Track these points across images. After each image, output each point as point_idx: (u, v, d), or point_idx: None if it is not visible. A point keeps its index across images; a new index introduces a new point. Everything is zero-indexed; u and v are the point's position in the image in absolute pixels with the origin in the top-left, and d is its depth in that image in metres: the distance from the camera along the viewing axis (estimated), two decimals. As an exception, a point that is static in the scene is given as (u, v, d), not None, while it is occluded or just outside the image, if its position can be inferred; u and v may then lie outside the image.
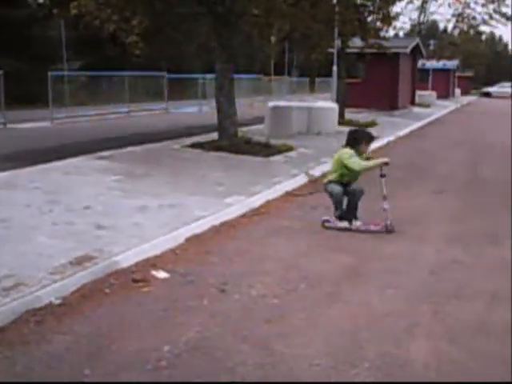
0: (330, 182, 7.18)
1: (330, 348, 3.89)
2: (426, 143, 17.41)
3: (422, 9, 38.48)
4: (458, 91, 56.96)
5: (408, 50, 29.32)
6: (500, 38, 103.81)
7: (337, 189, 7.09)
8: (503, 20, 36.15)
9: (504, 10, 35.38)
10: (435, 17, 76.06)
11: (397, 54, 27.73)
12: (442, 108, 35.19)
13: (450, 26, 42.35)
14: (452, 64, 49.98)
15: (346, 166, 6.99)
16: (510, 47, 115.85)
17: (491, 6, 35.96)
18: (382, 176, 6.99)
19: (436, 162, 13.22)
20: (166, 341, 3.90)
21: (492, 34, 73.66)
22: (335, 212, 7.16)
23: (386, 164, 6.98)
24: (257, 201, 7.92)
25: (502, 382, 3.33)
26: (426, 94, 38.28)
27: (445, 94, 47.82)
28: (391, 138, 17.09)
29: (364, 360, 3.73)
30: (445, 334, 4.15)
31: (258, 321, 4.29)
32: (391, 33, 34.30)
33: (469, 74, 66.64)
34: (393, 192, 9.27)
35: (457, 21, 39.61)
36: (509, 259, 5.92)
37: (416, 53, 32.72)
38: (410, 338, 4.08)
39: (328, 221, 7.13)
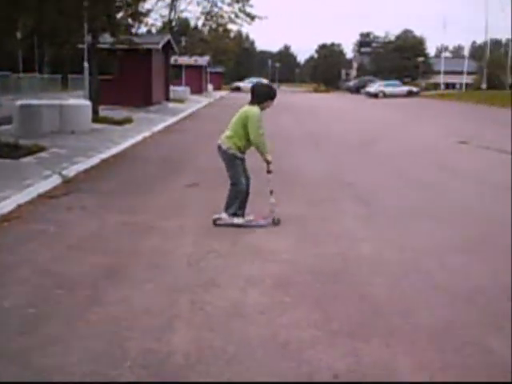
0: (236, 156, 6.90)
1: (90, 353, 3.77)
2: (181, 137, 17.77)
3: (173, 6, 39.23)
4: (210, 86, 59.11)
5: (160, 46, 29.62)
6: (247, 36, 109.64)
7: (244, 182, 6.91)
8: (248, 19, 38.29)
9: (248, 9, 37.50)
10: (186, 14, 77.50)
11: (149, 51, 27.92)
12: (197, 103, 36.20)
13: (199, 24, 43.42)
14: (203, 60, 51.66)
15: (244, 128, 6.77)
16: (256, 44, 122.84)
17: (236, 6, 37.90)
18: (269, 172, 7.01)
19: (191, 155, 13.55)
20: None
21: (239, 32, 77.22)
22: (231, 208, 6.94)
23: (269, 162, 6.98)
24: (6, 206, 7.42)
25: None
26: (180, 90, 39.10)
27: (198, 90, 49.32)
28: (147, 134, 17.15)
29: (126, 359, 3.68)
30: (204, 323, 4.26)
31: (11, 334, 4.02)
32: (144, 29, 34.37)
33: (220, 69, 69.39)
34: (150, 187, 9.37)
35: (206, 19, 41.06)
36: (256, 244, 6.30)
37: (168, 49, 33.20)
38: (171, 330, 4.12)
39: (220, 219, 6.93)
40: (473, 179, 10.76)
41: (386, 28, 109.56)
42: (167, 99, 33.29)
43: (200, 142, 16.50)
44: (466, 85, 72.07)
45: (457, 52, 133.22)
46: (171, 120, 23.01)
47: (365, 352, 3.84)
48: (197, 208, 8.05)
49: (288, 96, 57.34)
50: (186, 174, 10.75)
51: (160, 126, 20.01)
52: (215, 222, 7.01)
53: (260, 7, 45.74)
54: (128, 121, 19.59)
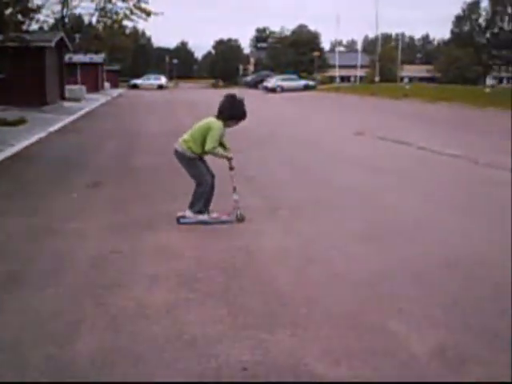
0: (191, 158, 6.86)
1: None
2: (79, 137, 17.35)
3: (65, 2, 38.11)
4: (107, 84, 58.05)
5: (53, 44, 28.75)
6: (143, 32, 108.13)
7: (209, 180, 6.85)
8: (143, 15, 37.72)
9: (143, 5, 36.93)
10: (79, 11, 75.71)
11: (42, 48, 27.09)
12: (94, 101, 35.44)
13: (94, 20, 42.34)
14: (99, 58, 50.64)
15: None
16: (153, 41, 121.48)
17: (131, 2, 37.24)
18: (231, 169, 6.94)
19: (90, 155, 13.28)
20: None
21: (135, 29, 76.11)
22: (196, 206, 6.85)
23: (230, 159, 6.91)
24: None
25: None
26: (76, 88, 38.13)
27: (95, 88, 48.31)
28: (42, 135, 16.63)
29: (28, 368, 3.58)
30: (109, 325, 4.20)
31: None
32: (35, 26, 33.26)
33: (116, 67, 68.23)
34: (49, 188, 9.10)
35: (100, 15, 40.12)
36: (160, 242, 6.24)
37: (62, 47, 32.30)
38: (75, 335, 4.03)
39: (184, 217, 6.80)
40: (370, 169, 11.09)
41: (282, 23, 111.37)
42: (63, 98, 32.42)
43: (99, 141, 16.21)
44: (360, 78, 74.26)
45: (350, 46, 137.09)
46: (67, 119, 22.41)
47: (271, 343, 3.90)
48: (98, 208, 7.90)
49: (187, 93, 57.15)
50: (85, 175, 10.51)
51: (56, 126, 19.45)
52: (178, 220, 6.93)
53: (155, 3, 44.97)
54: (22, 121, 18.88)
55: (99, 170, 11.03)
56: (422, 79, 79.70)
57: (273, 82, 59.18)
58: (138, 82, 71.08)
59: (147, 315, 4.37)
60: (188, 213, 6.96)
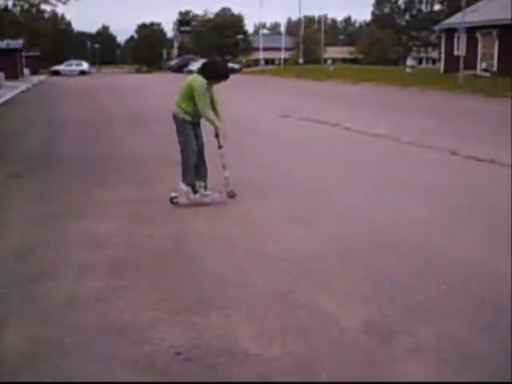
0: (185, 120, 6.81)
1: None
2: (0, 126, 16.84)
3: (-23, -15, 36.61)
4: (27, 71, 56.29)
5: (-34, 30, 27.69)
6: (63, 17, 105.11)
7: (194, 148, 6.83)
8: (63, -1, 36.62)
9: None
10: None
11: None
12: (13, 89, 34.35)
13: (10, 4, 40.83)
14: (17, 43, 49.00)
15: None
16: (73, 25, 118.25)
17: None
18: (220, 147, 6.91)
19: (13, 143, 12.88)
20: None
21: (55, 13, 73.83)
22: (188, 178, 6.88)
23: (217, 128, 6.89)
24: None
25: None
26: (-7, 76, 36.85)
27: (13, 75, 46.73)
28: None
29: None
30: (38, 317, 4.12)
31: None
32: None
33: (36, 53, 66.20)
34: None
35: (16, -1, 38.74)
36: (86, 230, 6.13)
37: (-24, 33, 31.13)
38: (2, 330, 3.94)
39: (176, 197, 6.81)
40: (299, 151, 11.19)
41: (205, 6, 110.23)
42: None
43: (20, 129, 15.72)
44: (285, 60, 74.60)
45: (274, 29, 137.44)
46: (-14, 108, 21.69)
47: (204, 326, 3.90)
48: (20, 199, 7.68)
49: (111, 79, 56.07)
50: (6, 164, 10.20)
51: (-26, 115, 18.81)
52: (172, 201, 6.94)
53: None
54: None
55: (20, 160, 10.71)
56: (344, 60, 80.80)
57: (197, 65, 58.50)
58: (60, 68, 68.99)
59: (78, 305, 4.30)
60: (181, 185, 6.96)
